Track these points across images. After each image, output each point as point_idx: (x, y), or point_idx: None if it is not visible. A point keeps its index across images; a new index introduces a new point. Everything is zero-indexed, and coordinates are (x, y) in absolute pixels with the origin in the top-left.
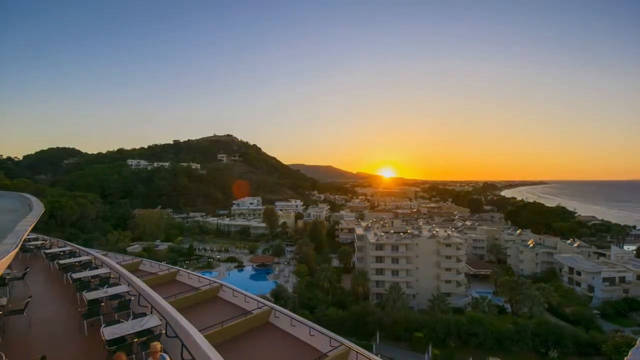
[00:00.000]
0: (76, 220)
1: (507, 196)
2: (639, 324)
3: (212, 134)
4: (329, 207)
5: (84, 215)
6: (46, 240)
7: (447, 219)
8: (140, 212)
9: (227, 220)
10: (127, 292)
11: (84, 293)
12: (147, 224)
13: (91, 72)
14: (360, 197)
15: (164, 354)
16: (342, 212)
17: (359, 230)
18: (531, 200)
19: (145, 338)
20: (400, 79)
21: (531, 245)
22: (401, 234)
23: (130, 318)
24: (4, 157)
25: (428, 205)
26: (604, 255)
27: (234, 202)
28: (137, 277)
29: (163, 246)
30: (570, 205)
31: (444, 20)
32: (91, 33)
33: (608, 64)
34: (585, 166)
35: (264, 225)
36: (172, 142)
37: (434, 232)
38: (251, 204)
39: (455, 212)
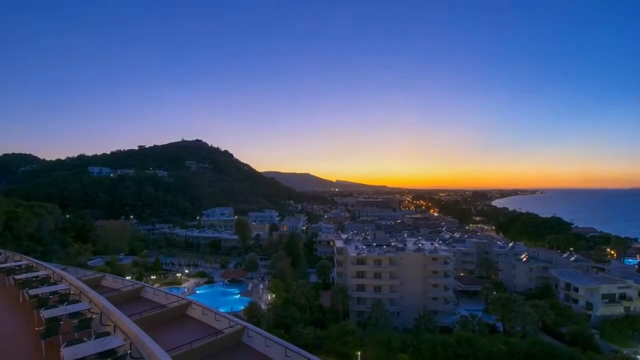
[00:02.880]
0: (33, 232)
1: (498, 206)
2: None
3: (180, 139)
4: (306, 218)
5: (41, 227)
6: (1, 254)
7: (434, 230)
8: (103, 224)
9: (196, 232)
10: (89, 309)
11: (41, 311)
12: (110, 236)
13: (49, 72)
14: (340, 207)
15: None
16: (321, 224)
17: (339, 243)
18: (524, 211)
19: (109, 359)
20: (384, 81)
21: (524, 259)
22: (384, 247)
23: (92, 338)
24: None
25: (413, 216)
26: (603, 269)
27: (203, 212)
28: (99, 293)
29: (127, 260)
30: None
31: (435, 21)
32: (48, 30)
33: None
34: (585, 174)
35: (236, 237)
36: (136, 148)
37: (420, 245)
38: (222, 214)
39: (442, 223)
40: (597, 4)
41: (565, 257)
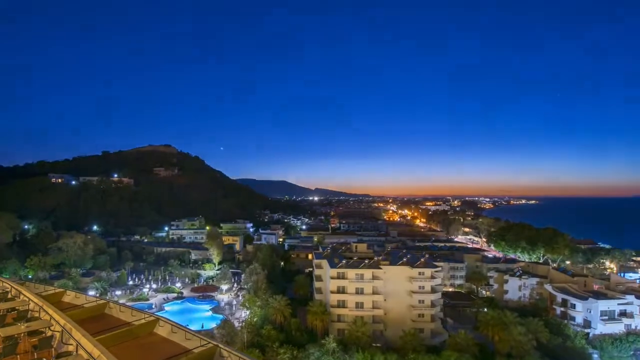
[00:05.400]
0: None
1: (490, 216)
2: None
3: (147, 144)
4: (283, 229)
5: None
6: None
7: (420, 242)
8: (64, 235)
9: (164, 244)
10: (49, 327)
11: None
12: (72, 249)
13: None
14: (320, 217)
15: None
16: (299, 235)
17: (318, 257)
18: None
19: None
20: (366, 80)
21: (518, 273)
22: (366, 260)
23: (53, 358)
24: None
25: (398, 227)
26: (602, 284)
27: (172, 222)
28: (60, 310)
29: (90, 275)
30: None
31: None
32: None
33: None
34: (586, 181)
35: (207, 250)
36: (100, 154)
37: (405, 258)
38: (192, 225)
39: (430, 234)
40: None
41: (562, 271)
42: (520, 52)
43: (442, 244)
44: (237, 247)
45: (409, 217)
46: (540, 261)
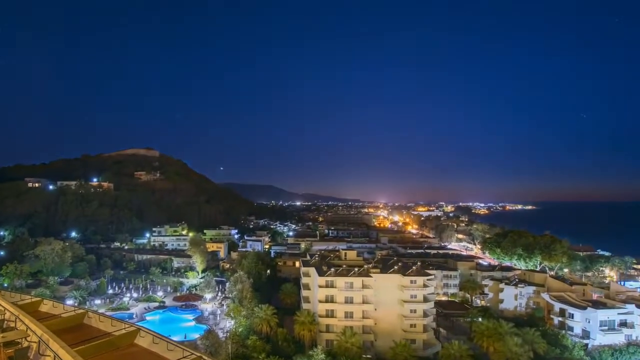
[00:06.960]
0: None
1: (484, 222)
2: None
3: (128, 147)
4: (269, 235)
5: None
6: None
7: (412, 249)
8: (41, 242)
9: (145, 252)
10: (25, 338)
11: None
12: (49, 257)
13: None
14: (308, 223)
15: None
16: (286, 242)
17: (305, 264)
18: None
19: None
20: (355, 81)
21: (514, 281)
22: (356, 268)
23: None
24: None
25: (390, 234)
26: (602, 293)
27: (154, 229)
28: (37, 319)
29: (68, 283)
30: None
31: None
32: None
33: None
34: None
35: (190, 257)
36: (80, 157)
37: (396, 266)
38: (175, 231)
39: (422, 241)
40: None
41: (560, 279)
42: (520, 50)
43: (435, 251)
44: (222, 254)
45: (400, 223)
46: (537, 269)
